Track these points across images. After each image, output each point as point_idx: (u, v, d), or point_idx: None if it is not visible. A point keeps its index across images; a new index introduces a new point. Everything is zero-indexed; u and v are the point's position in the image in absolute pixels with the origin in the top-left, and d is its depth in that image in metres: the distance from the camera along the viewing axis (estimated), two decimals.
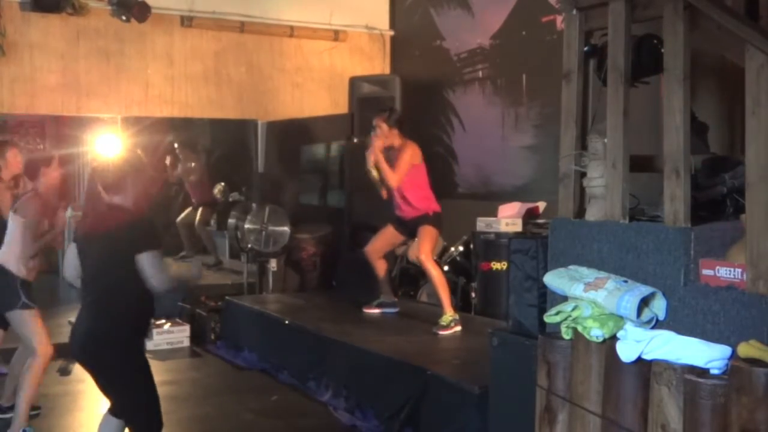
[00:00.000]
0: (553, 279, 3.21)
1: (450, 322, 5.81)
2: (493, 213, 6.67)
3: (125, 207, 3.57)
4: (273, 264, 8.07)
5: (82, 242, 3.65)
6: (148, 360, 3.74)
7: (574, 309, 3.00)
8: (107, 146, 10.13)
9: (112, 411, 3.66)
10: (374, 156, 6.02)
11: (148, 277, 3.47)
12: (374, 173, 6.07)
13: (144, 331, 3.80)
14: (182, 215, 9.94)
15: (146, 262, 3.46)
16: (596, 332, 2.90)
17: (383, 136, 6.08)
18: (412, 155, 6.05)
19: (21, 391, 4.78)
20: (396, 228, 6.29)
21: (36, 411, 5.16)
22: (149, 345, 7.03)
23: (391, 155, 6.14)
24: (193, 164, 9.98)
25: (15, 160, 5.48)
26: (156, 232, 3.68)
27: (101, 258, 3.54)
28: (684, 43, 2.94)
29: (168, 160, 9.91)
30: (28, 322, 4.85)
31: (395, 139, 6.10)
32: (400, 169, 6.01)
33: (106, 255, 3.52)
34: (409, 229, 6.18)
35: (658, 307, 2.93)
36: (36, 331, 4.86)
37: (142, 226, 3.58)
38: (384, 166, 6.02)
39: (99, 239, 3.56)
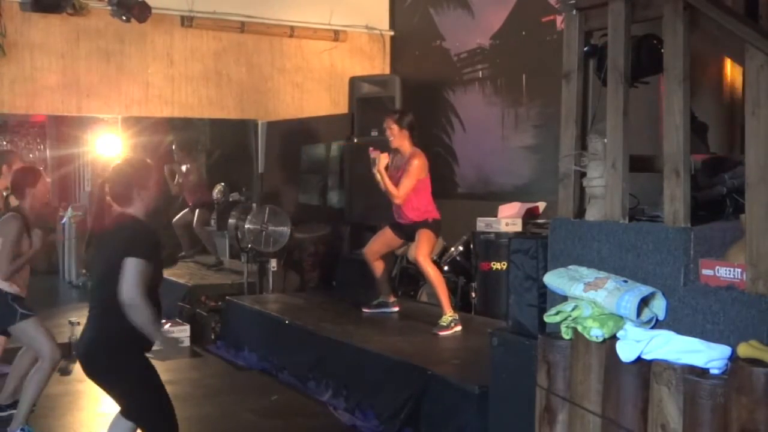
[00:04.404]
0: (553, 279, 3.21)
1: (450, 322, 5.80)
2: (493, 213, 6.66)
3: (130, 213, 3.55)
4: (273, 264, 8.06)
5: (93, 248, 3.62)
6: (152, 364, 3.69)
7: (574, 309, 3.00)
8: (107, 146, 10.16)
9: (123, 413, 3.64)
10: (378, 176, 5.87)
11: (121, 284, 3.29)
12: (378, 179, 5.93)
13: (147, 340, 3.64)
14: (178, 216, 9.94)
15: (126, 267, 3.31)
16: (596, 332, 2.91)
17: (393, 137, 5.99)
18: (419, 169, 5.93)
19: (26, 391, 4.78)
20: (394, 231, 6.27)
21: (32, 410, 5.17)
22: None
23: (397, 160, 6.05)
24: (188, 166, 9.95)
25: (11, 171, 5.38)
26: (149, 241, 3.49)
27: (103, 265, 3.52)
28: (684, 43, 2.94)
29: (167, 171, 9.80)
30: (31, 331, 4.82)
31: (404, 142, 6.01)
32: (404, 186, 5.88)
33: (105, 261, 3.48)
34: (407, 233, 6.17)
35: (658, 307, 2.93)
36: (41, 337, 4.83)
37: (135, 228, 3.50)
38: (387, 182, 5.87)
39: (102, 245, 3.55)
